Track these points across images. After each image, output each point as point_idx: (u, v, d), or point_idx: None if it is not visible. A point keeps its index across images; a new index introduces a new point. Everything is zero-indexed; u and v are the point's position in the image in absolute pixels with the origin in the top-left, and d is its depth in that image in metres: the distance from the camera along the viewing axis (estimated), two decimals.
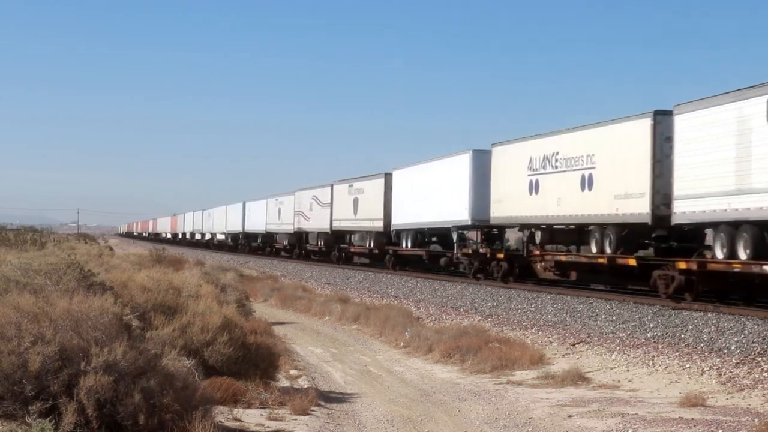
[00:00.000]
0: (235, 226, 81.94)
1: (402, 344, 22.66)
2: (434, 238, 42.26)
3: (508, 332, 22.22)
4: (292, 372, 17.61)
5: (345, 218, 51.84)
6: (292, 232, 63.63)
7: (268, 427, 11.54)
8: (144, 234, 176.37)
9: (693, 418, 12.34)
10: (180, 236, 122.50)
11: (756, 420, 11.83)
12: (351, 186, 52.05)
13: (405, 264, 44.65)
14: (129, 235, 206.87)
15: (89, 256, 33.31)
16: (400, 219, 44.13)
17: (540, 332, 21.71)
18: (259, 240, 75.31)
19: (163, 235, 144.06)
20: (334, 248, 53.97)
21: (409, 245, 43.16)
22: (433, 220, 39.60)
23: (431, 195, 39.64)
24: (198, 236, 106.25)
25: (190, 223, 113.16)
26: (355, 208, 50.30)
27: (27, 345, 9.07)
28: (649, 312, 21.61)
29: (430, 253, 41.65)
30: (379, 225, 46.46)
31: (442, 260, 40.01)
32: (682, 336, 18.35)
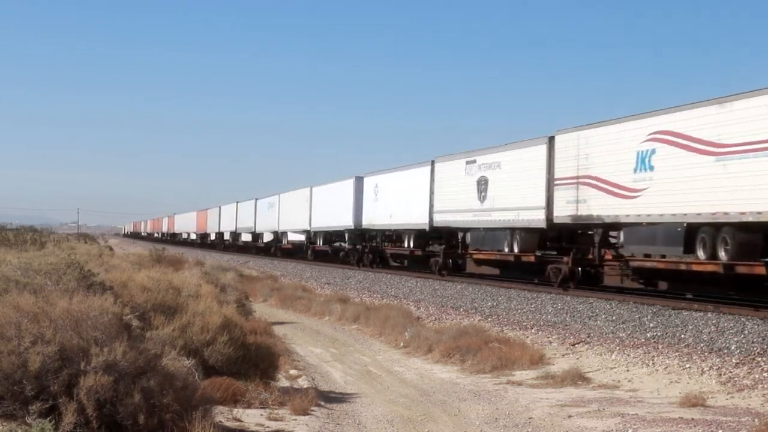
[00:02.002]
0: (337, 221, 52.52)
1: (402, 344, 22.66)
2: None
3: (508, 332, 22.22)
4: (292, 372, 17.60)
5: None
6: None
7: (268, 427, 11.53)
8: (156, 234, 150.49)
9: (693, 418, 12.34)
10: (214, 237, 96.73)
11: (756, 420, 11.83)
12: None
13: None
14: (135, 235, 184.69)
15: (89, 256, 33.31)
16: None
17: (540, 332, 21.70)
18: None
19: (184, 236, 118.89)
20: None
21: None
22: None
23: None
24: (246, 236, 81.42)
25: (229, 219, 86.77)
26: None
27: (27, 345, 9.07)
28: (649, 312, 21.61)
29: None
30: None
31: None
32: (682, 336, 18.35)
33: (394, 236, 45.94)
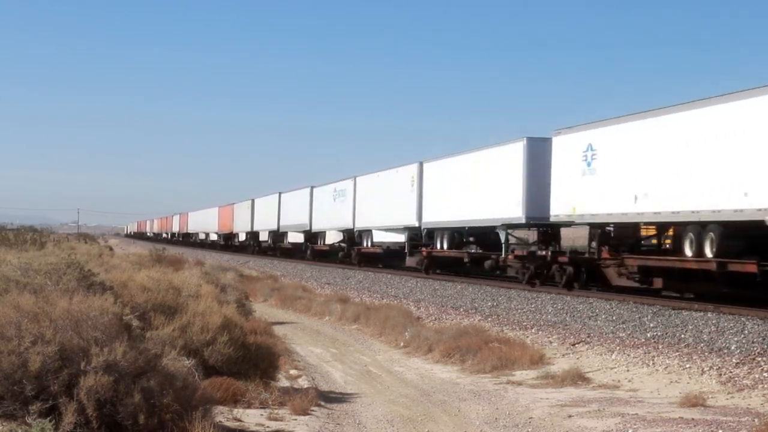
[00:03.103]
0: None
1: (402, 344, 22.66)
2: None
3: (508, 332, 22.21)
4: (292, 372, 17.60)
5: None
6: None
7: (268, 427, 11.53)
8: (165, 235, 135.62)
9: (693, 418, 12.34)
10: (244, 238, 79.15)
11: (756, 420, 11.83)
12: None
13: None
14: (140, 236, 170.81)
15: (89, 256, 33.32)
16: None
17: (540, 332, 21.70)
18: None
19: (202, 237, 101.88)
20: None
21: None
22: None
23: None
24: (295, 236, 62.97)
25: (268, 214, 69.66)
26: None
27: (27, 345, 9.07)
28: (649, 312, 21.62)
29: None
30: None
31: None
32: (682, 336, 18.35)
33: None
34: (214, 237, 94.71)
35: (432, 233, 40.17)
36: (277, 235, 68.35)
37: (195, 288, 17.31)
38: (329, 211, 55.48)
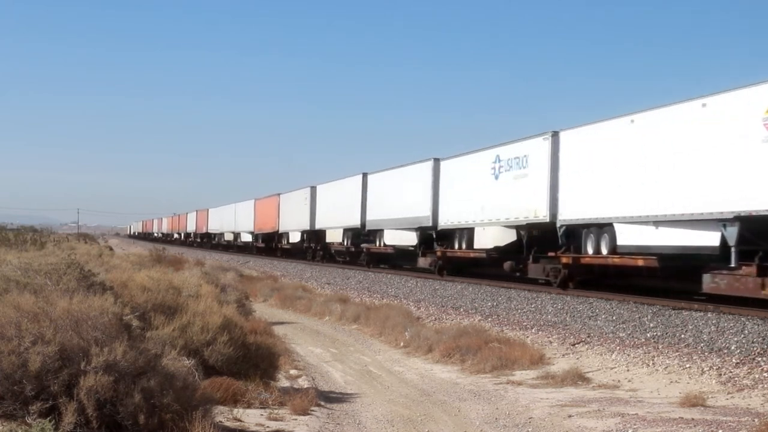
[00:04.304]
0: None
1: (402, 344, 22.66)
2: None
3: (508, 332, 22.22)
4: (292, 372, 17.61)
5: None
6: None
7: (268, 427, 11.53)
8: (177, 236, 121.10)
9: (693, 418, 12.34)
10: (297, 239, 61.05)
11: (756, 420, 11.83)
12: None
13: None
14: (145, 236, 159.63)
15: (89, 256, 33.34)
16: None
17: (540, 332, 21.70)
18: None
19: (228, 238, 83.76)
20: None
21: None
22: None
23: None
24: (403, 236, 42.15)
25: (347, 206, 49.57)
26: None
27: (27, 345, 9.07)
28: (649, 312, 21.62)
29: None
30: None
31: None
32: (682, 336, 18.35)
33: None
34: (246, 238, 76.70)
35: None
36: (356, 235, 49.63)
37: (195, 288, 17.31)
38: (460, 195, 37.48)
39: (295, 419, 12.23)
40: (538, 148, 29.90)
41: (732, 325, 18.60)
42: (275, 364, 15.04)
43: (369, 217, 46.83)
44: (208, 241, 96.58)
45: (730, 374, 15.04)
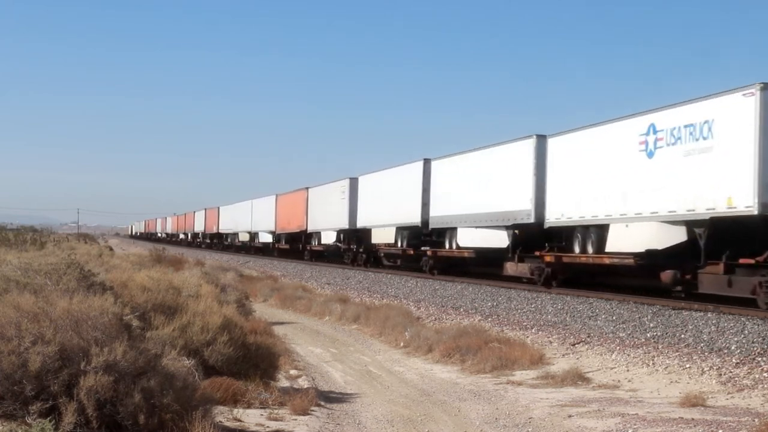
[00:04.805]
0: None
1: (402, 344, 22.66)
2: None
3: (508, 332, 22.21)
4: (292, 372, 17.61)
5: None
6: None
7: (268, 427, 11.53)
8: (183, 236, 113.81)
9: (693, 418, 12.33)
10: (332, 240, 53.15)
11: (756, 420, 11.83)
12: None
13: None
14: (148, 237, 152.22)
15: (89, 256, 33.34)
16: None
17: (540, 332, 21.70)
18: None
19: (243, 238, 76.38)
20: None
21: None
22: None
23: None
24: (453, 240, 36.60)
25: (398, 201, 42.07)
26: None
27: (27, 345, 9.07)
28: (649, 312, 21.62)
29: None
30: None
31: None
32: (682, 336, 18.35)
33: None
34: (266, 238, 68.62)
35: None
36: (414, 235, 41.53)
37: (195, 288, 17.31)
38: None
39: (295, 419, 12.23)
40: (734, 109, 21.44)
41: (732, 325, 18.60)
42: (275, 364, 15.04)
43: (433, 212, 38.72)
44: (219, 241, 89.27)
45: (730, 374, 15.04)
